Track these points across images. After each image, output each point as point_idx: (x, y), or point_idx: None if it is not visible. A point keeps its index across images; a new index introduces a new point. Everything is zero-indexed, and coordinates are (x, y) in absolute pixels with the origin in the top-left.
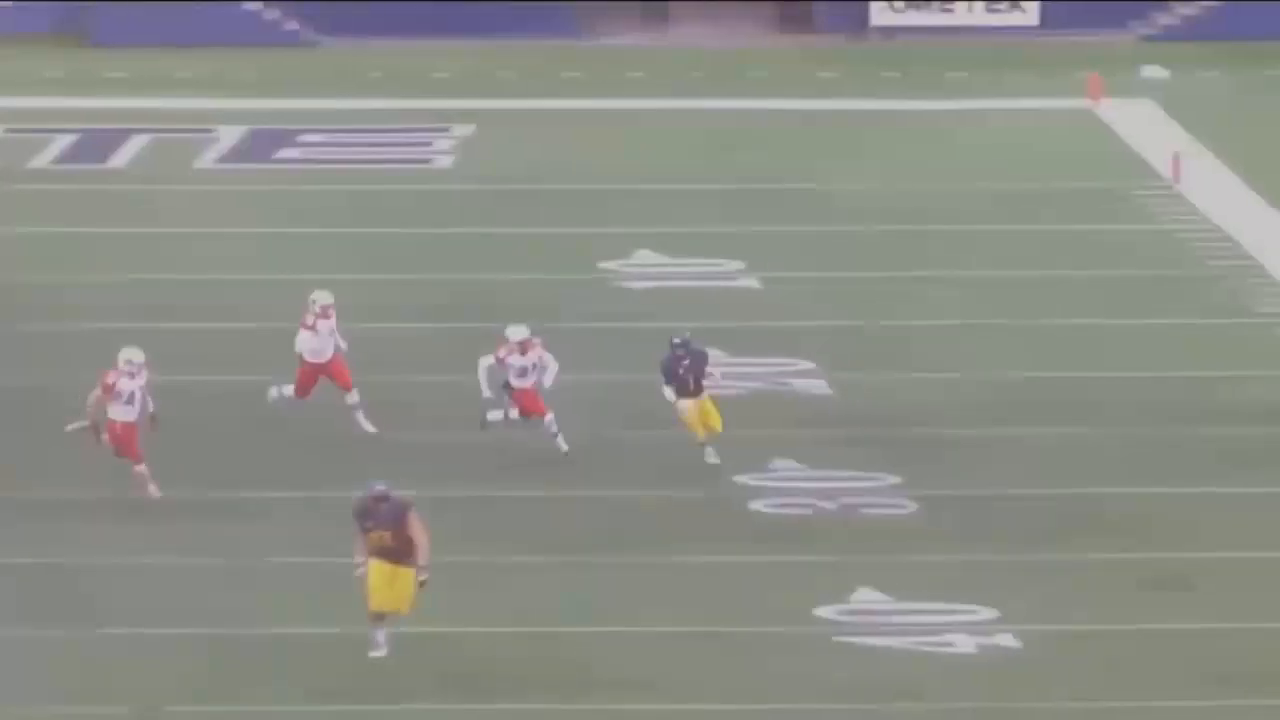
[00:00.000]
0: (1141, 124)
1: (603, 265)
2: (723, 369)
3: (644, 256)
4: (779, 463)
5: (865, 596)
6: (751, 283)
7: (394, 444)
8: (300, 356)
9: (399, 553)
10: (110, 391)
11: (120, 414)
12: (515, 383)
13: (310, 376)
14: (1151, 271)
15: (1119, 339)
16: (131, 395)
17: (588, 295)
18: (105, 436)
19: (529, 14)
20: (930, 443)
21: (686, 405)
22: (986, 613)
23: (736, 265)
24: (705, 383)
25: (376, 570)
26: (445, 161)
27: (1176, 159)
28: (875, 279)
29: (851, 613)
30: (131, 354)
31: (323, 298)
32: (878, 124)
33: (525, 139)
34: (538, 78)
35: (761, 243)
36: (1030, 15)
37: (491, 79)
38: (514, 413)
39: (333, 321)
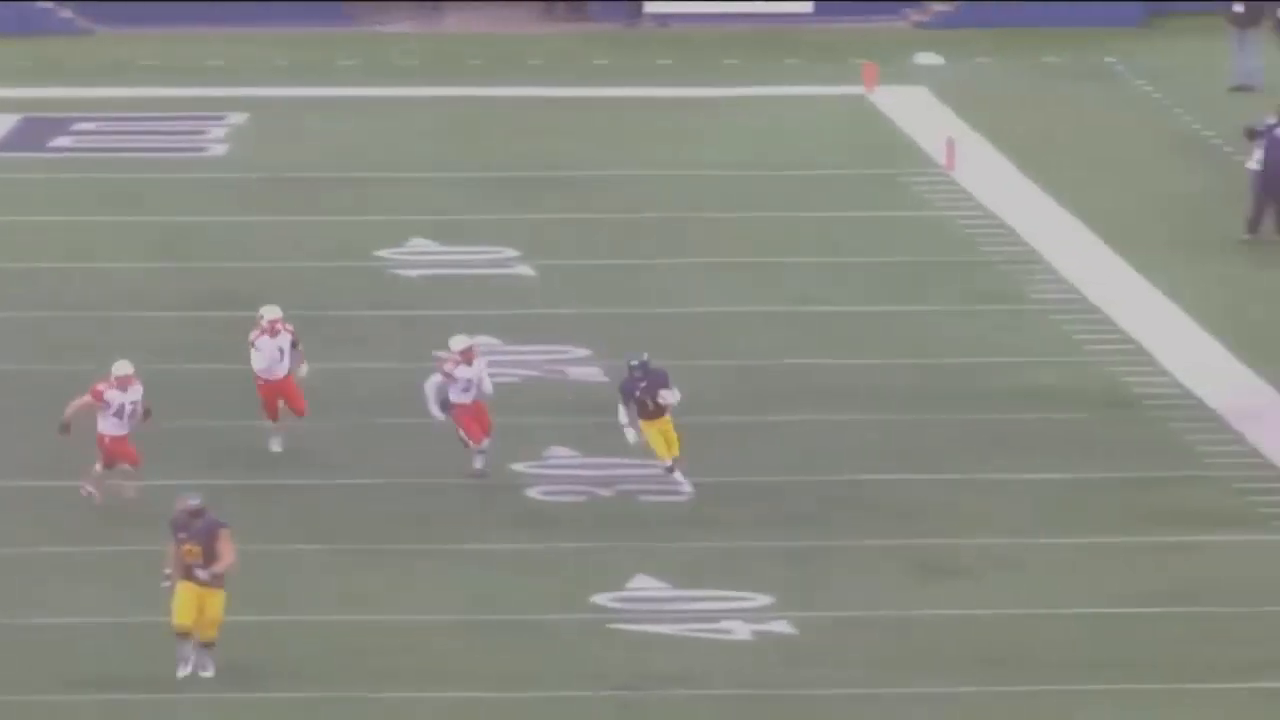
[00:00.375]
0: (916, 110)
1: (377, 253)
2: (498, 357)
3: (418, 244)
4: (555, 450)
5: (642, 583)
6: (526, 270)
7: (167, 432)
8: (255, 375)
9: (208, 574)
10: (99, 400)
11: (109, 427)
12: (457, 399)
13: (267, 394)
14: (924, 257)
15: (891, 325)
16: (121, 408)
17: (362, 283)
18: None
19: (303, 2)
20: (706, 429)
21: (643, 428)
22: (762, 599)
23: (511, 253)
24: (664, 402)
25: (185, 591)
26: (219, 150)
27: (950, 145)
28: (650, 266)
29: (628, 600)
30: (122, 367)
31: (269, 312)
32: (652, 110)
33: (299, 127)
34: (312, 66)
35: (536, 230)
36: (805, 2)
37: (266, 67)
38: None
39: (285, 339)
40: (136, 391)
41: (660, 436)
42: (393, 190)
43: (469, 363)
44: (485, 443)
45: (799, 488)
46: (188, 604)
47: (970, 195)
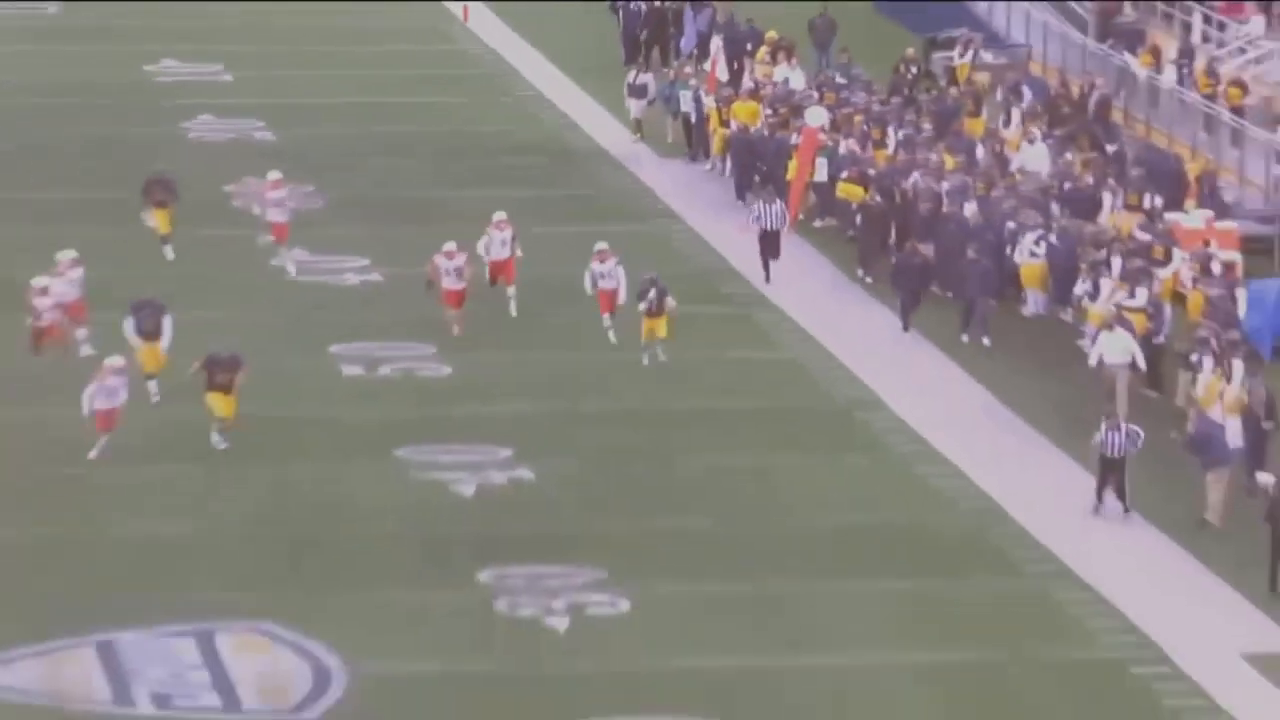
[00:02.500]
0: None
1: None
2: None
3: None
4: None
5: None
6: None
7: None
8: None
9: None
10: (104, 379)
11: (104, 403)
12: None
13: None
14: None
15: None
16: (114, 391)
17: None
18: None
19: None
20: None
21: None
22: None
23: None
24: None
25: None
26: None
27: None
28: None
29: None
30: (115, 361)
31: (64, 255)
32: None
33: None
34: None
35: None
36: None
37: None
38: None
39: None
40: (126, 377)
41: (649, 328)
42: None
43: (601, 261)
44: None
45: None
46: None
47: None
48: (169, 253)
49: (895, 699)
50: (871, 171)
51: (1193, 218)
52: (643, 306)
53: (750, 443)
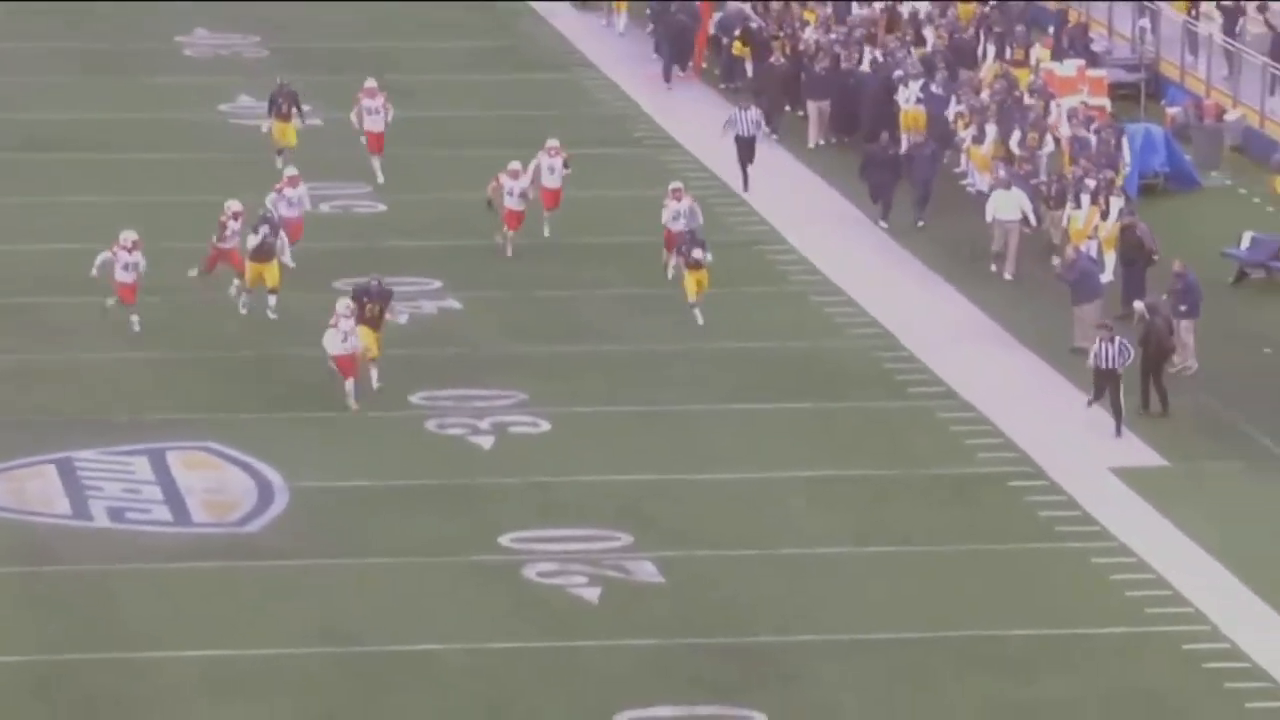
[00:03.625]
0: None
1: None
2: None
3: None
4: None
5: None
6: None
7: None
8: None
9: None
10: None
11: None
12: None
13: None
14: None
15: None
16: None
17: None
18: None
19: None
20: None
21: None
22: None
23: None
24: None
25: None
26: None
27: None
28: None
29: None
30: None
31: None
32: None
33: None
34: None
35: None
36: None
37: None
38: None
39: None
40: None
41: (694, 282)
42: None
43: (677, 200)
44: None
45: None
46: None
47: None
48: (280, 163)
49: (790, 509)
50: (754, 25)
51: (1066, 66)
52: (677, 261)
53: (660, 275)
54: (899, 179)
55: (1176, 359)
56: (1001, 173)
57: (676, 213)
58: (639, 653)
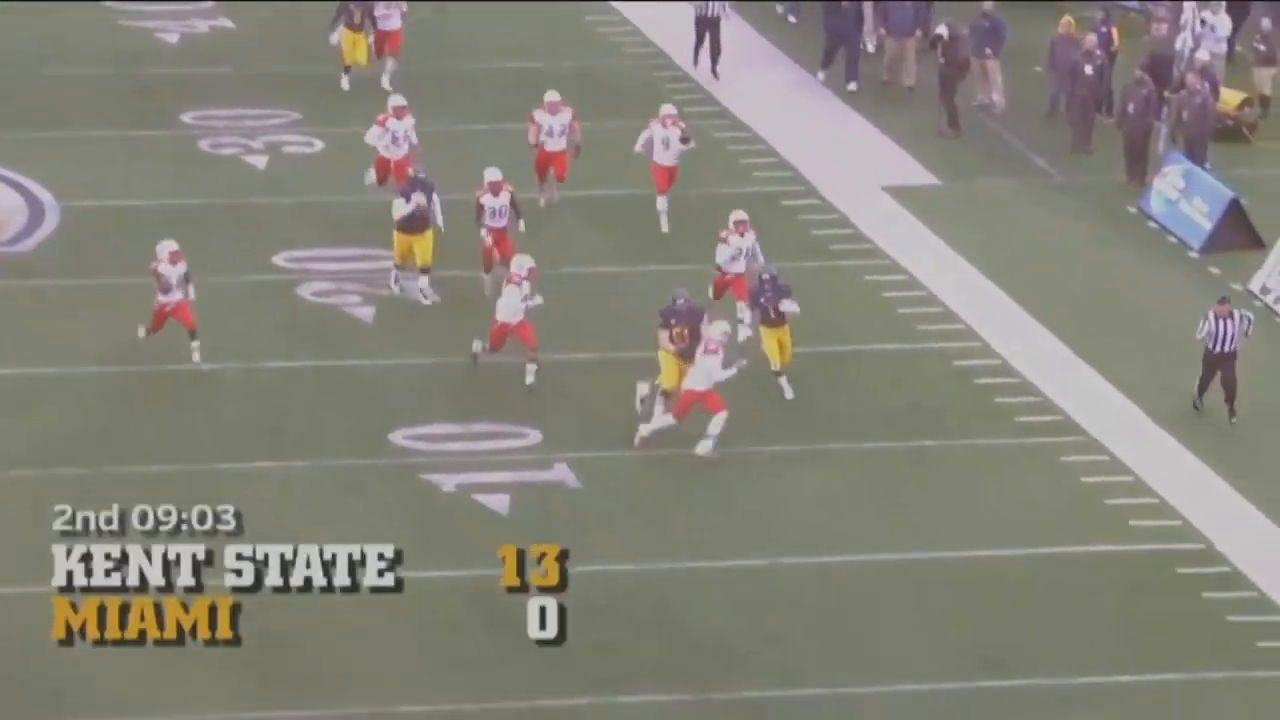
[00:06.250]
0: None
1: None
2: None
3: None
4: None
5: None
6: None
7: None
8: None
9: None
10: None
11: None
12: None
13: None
14: None
15: None
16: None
17: None
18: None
19: None
20: None
21: (763, 334)
22: None
23: None
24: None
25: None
26: None
27: None
28: None
29: None
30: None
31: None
32: None
33: None
34: None
35: None
36: None
37: None
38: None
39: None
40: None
41: (776, 343)
42: None
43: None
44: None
45: None
46: (671, 370)
47: None
48: (345, 84)
49: (566, 225)
50: None
51: None
52: (751, 317)
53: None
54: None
55: (983, 94)
56: None
57: (737, 251)
58: (414, 371)
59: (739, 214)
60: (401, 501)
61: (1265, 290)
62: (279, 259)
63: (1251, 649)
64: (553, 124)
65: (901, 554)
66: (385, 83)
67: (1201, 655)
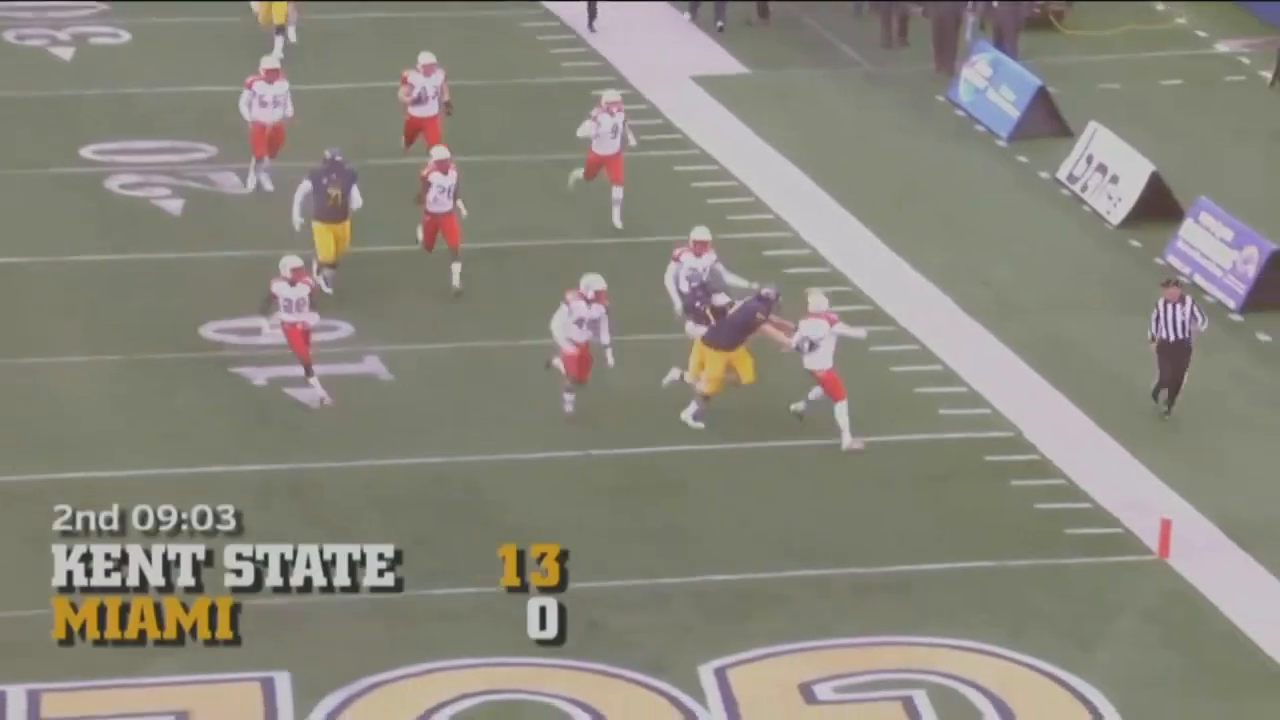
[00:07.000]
0: None
1: None
2: None
3: None
4: None
5: None
6: None
7: None
8: None
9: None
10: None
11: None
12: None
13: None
14: None
15: None
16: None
17: None
18: None
19: None
20: None
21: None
22: None
23: None
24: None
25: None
26: None
27: None
28: None
29: None
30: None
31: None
32: None
33: None
34: None
35: None
36: None
37: None
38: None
39: None
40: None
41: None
42: None
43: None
44: None
45: None
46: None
47: None
48: (278, 46)
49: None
50: None
51: None
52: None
53: None
54: None
55: None
56: None
57: (691, 271)
58: (224, 265)
59: (701, 232)
60: (212, 396)
61: (1073, 179)
62: (86, 151)
63: (1059, 536)
64: (426, 85)
65: (711, 444)
66: (291, 34)
67: (1009, 543)
